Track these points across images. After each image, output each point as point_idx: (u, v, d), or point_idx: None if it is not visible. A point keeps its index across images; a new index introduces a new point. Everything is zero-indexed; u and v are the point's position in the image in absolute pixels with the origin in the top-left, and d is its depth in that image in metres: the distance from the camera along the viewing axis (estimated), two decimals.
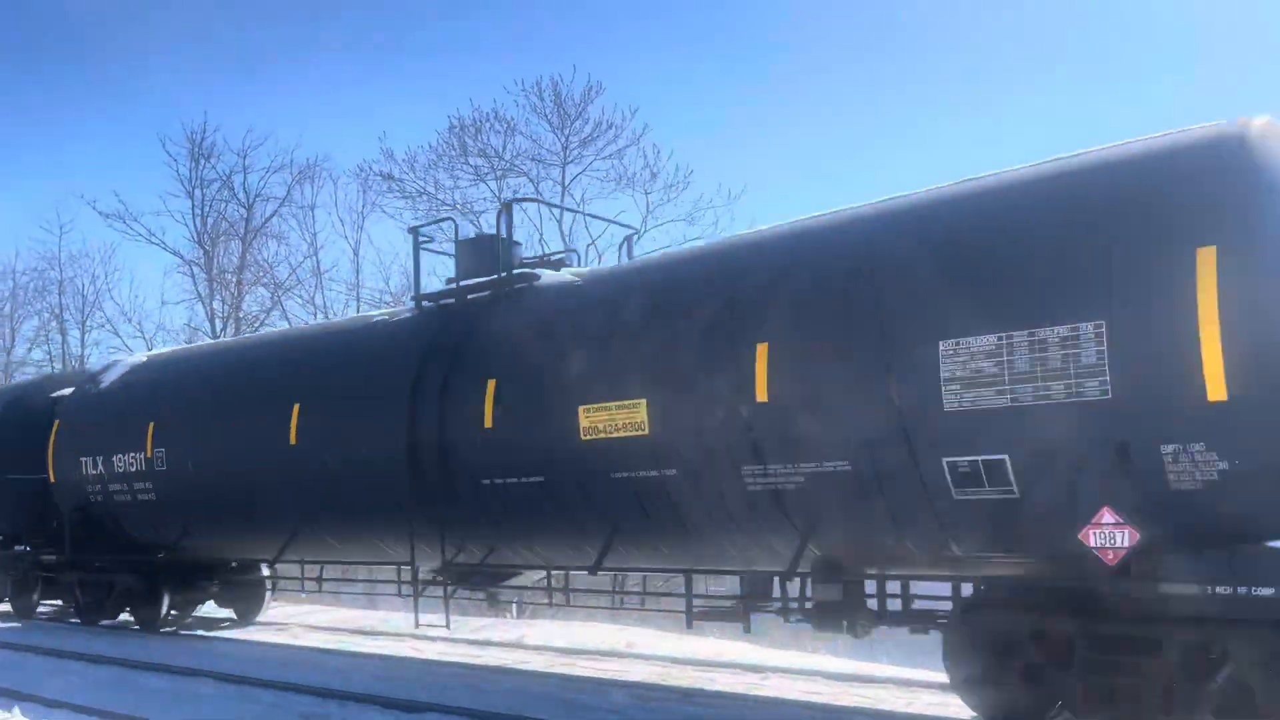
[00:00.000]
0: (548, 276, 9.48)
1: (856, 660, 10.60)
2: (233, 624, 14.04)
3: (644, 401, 7.50)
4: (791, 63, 50.39)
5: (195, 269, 33.08)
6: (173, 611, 13.45)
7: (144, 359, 13.93)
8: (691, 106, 48.53)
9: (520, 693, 8.81)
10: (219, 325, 31.91)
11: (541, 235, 27.58)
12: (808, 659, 10.72)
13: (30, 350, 38.69)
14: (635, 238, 11.05)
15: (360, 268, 33.40)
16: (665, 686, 9.05)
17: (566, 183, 28.02)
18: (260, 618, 14.19)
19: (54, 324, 37.90)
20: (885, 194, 7.37)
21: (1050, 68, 46.76)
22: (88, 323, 36.65)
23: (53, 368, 35.49)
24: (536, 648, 11.69)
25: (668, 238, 27.66)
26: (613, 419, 7.66)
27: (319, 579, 11.69)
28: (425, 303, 10.25)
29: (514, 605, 14.96)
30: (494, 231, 11.30)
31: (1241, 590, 5.39)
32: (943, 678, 7.47)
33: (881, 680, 9.14)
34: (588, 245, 27.11)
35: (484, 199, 28.35)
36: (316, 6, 55.93)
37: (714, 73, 50.41)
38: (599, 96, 27.84)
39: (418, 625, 9.97)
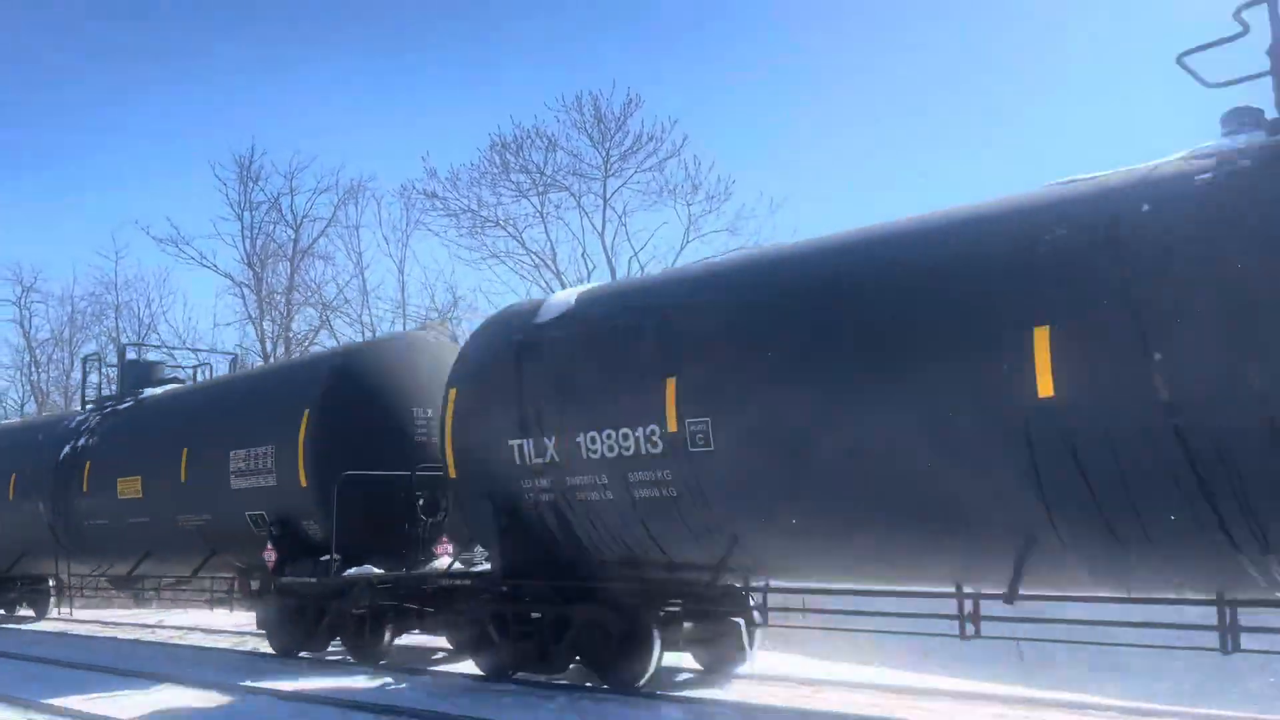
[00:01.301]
0: None
1: (911, 673, 10.13)
2: (698, 676, 10.04)
3: None
4: (832, 69, 50.39)
5: (246, 290, 33.54)
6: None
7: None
8: (732, 116, 48.24)
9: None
10: (269, 346, 32.24)
11: (584, 249, 28.12)
12: (862, 672, 10.28)
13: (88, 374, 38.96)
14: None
15: (406, 285, 35.20)
16: (718, 701, 8.66)
17: (608, 196, 27.82)
18: (742, 669, 9.95)
19: (111, 347, 36.56)
20: (927, 200, 5.00)
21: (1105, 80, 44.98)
22: (143, 345, 36.80)
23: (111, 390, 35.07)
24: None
25: (710, 249, 26.96)
26: None
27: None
28: None
29: None
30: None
31: None
32: (1007, 690, 7.43)
33: (939, 693, 8.83)
34: (630, 258, 27.66)
35: (526, 215, 28.66)
36: (357, 31, 57.73)
37: (754, 81, 49.99)
38: (639, 109, 27.76)
39: None
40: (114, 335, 37.13)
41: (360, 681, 10.24)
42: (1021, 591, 6.47)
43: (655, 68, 49.57)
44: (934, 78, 47.85)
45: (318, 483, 11.09)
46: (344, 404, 11.38)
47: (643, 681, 8.96)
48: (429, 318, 28.54)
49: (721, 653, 9.85)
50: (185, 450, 12.92)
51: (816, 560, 7.99)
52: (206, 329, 67.38)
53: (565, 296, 9.84)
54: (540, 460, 8.96)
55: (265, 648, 12.65)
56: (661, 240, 52.92)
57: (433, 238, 38.00)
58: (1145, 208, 6.13)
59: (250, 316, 33.37)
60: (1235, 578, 5.96)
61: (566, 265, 28.82)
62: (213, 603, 15.25)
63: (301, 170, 37.54)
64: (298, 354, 30.84)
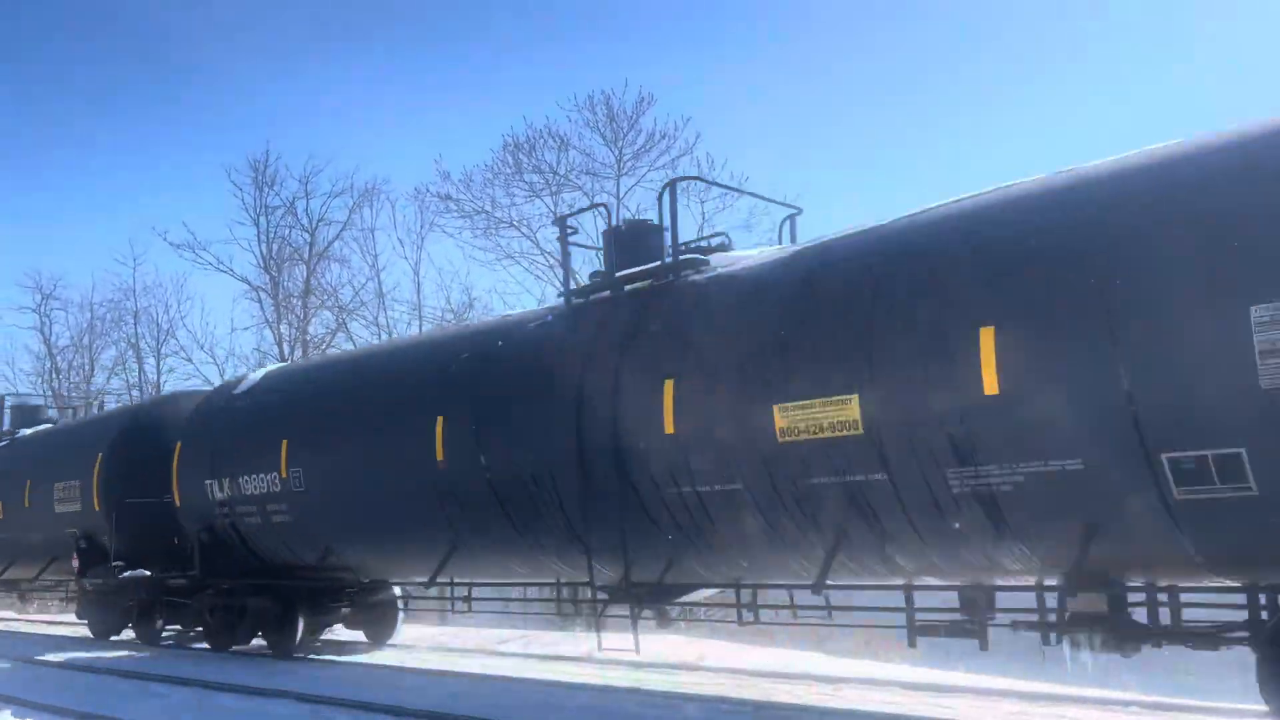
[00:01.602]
0: (718, 259, 8.85)
1: (932, 669, 10.17)
2: (366, 647, 13.62)
3: (855, 397, 6.80)
4: (845, 62, 51.02)
5: (262, 294, 33.82)
6: (305, 635, 13.04)
7: (269, 373, 13.79)
8: (744, 112, 48.60)
9: (591, 709, 8.71)
10: (287, 349, 32.49)
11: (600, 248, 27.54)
12: (883, 669, 10.44)
13: (109, 379, 40.03)
14: (795, 217, 10.47)
15: (421, 287, 34.51)
16: (737, 699, 8.87)
17: (621, 195, 27.81)
18: (392, 640, 13.75)
19: (130, 353, 39.05)
20: (945, 192, 6.42)
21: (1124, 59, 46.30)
22: (162, 350, 38.02)
23: (130, 396, 36.88)
24: (608, 662, 11.22)
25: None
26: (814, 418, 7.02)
27: (469, 599, 11.69)
28: (575, 298, 9.64)
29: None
30: (647, 218, 10.92)
31: None
32: (1027, 686, 7.64)
33: (959, 690, 8.87)
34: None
35: (540, 215, 28.85)
36: (369, 35, 59.20)
37: (764, 77, 50.85)
38: (651, 108, 27.90)
39: (601, 648, 9.65)
40: (133, 341, 38.59)
41: (117, 653, 14.16)
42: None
43: (667, 65, 50.17)
44: (947, 70, 49.05)
45: (107, 508, 14.95)
46: (129, 449, 15.19)
47: (294, 647, 12.76)
48: (444, 319, 29.95)
49: (378, 629, 13.84)
50: (28, 482, 16.95)
51: (383, 563, 11.99)
52: (224, 333, 70.30)
53: (257, 374, 13.96)
54: (221, 495, 12.81)
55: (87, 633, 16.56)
56: (778, 206, 52.02)
57: (447, 239, 38.39)
58: (500, 343, 10.07)
59: (267, 320, 33.64)
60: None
61: (581, 265, 29.53)
62: (66, 599, 19.09)
63: (316, 174, 37.57)
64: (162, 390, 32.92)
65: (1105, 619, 6.44)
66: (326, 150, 73.71)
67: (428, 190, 31.35)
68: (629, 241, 9.63)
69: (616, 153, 28.04)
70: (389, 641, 13.80)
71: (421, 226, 32.49)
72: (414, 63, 58.05)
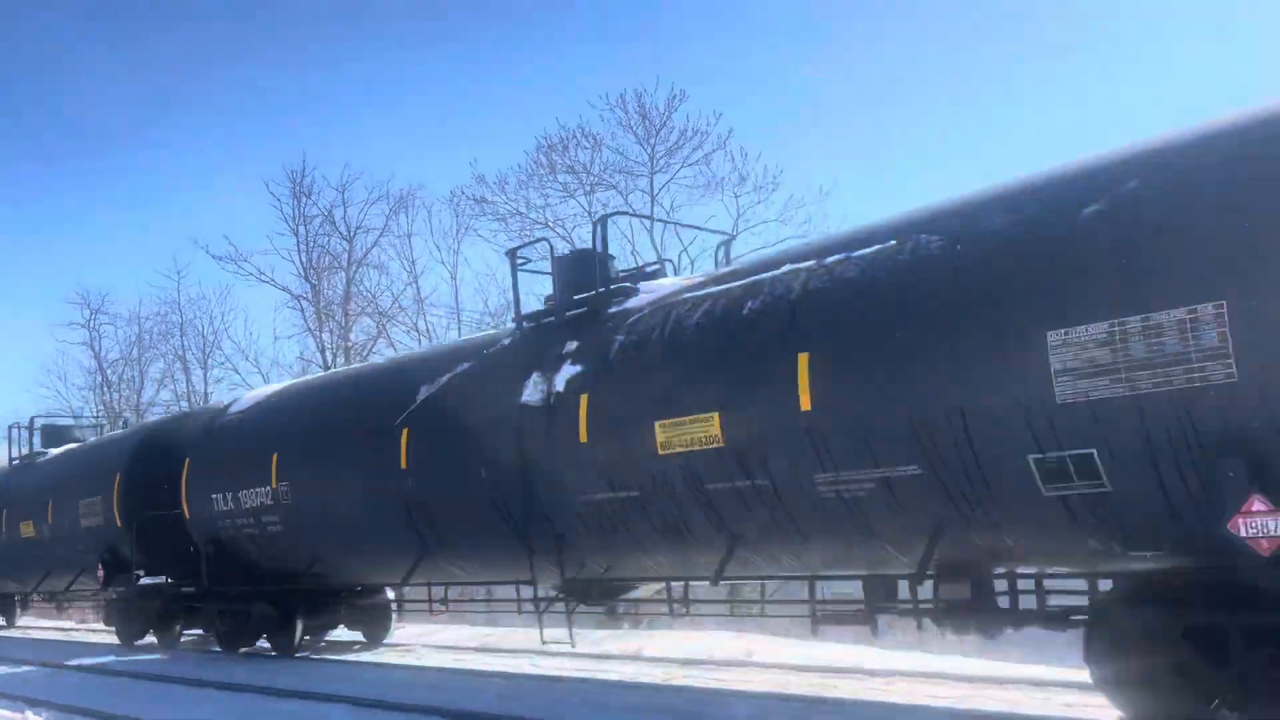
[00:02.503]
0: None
1: (986, 660, 10.19)
2: (363, 646, 14.64)
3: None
4: (878, 51, 50.84)
5: (304, 303, 34.28)
6: (305, 636, 14.06)
7: (262, 394, 14.84)
8: (777, 105, 48.58)
9: (640, 708, 8.68)
10: (329, 356, 32.91)
11: (634, 247, 27.74)
12: (934, 661, 10.40)
13: (158, 391, 40.98)
14: (729, 242, 11.36)
15: (459, 291, 34.43)
16: (787, 695, 8.84)
17: (655, 192, 28.05)
18: (387, 639, 14.93)
19: (178, 365, 39.90)
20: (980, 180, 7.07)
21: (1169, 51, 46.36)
22: (209, 361, 38.78)
23: (180, 407, 37.06)
24: (655, 659, 11.71)
25: (759, 240, 27.17)
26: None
27: (445, 600, 12.88)
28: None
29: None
30: (589, 247, 11.89)
31: None
32: (1078, 676, 7.35)
33: (1013, 680, 8.80)
34: (680, 252, 27.52)
35: (574, 215, 29.02)
36: (400, 40, 60.50)
37: (797, 68, 50.71)
38: (683, 104, 28.02)
39: (543, 642, 10.22)
40: (180, 353, 39.57)
41: (135, 656, 15.31)
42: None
43: (698, 61, 50.17)
44: (981, 61, 49.02)
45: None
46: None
47: (295, 646, 13.89)
48: (483, 322, 30.17)
49: (374, 629, 14.94)
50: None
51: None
52: (268, 342, 71.76)
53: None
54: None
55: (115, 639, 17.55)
56: (710, 234, 51.94)
57: (483, 243, 38.16)
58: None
59: (309, 328, 34.09)
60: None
61: (617, 264, 29.36)
62: (97, 608, 20.32)
63: (353, 182, 38.15)
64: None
65: (970, 605, 7.14)
66: (362, 158, 76.24)
67: (463, 194, 31.78)
68: (574, 269, 10.50)
69: (649, 150, 28.20)
70: (385, 640, 14.91)
71: (458, 231, 32.92)
72: (446, 67, 59.40)
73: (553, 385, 9.31)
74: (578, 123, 30.84)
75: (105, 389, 41.51)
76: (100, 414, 39.05)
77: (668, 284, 9.67)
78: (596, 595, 10.15)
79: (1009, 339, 6.23)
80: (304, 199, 34.43)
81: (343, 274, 34.28)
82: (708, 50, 50.12)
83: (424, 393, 10.90)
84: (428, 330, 32.52)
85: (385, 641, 14.87)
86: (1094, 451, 5.93)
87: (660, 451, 8.18)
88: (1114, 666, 6.38)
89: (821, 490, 7.26)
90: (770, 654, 11.56)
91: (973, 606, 7.10)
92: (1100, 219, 6.02)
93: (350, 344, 33.09)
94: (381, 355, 31.14)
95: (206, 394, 37.81)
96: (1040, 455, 6.12)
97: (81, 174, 69.16)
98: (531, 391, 9.54)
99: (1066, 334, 5.97)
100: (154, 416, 34.42)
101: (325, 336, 33.74)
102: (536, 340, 10.14)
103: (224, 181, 65.48)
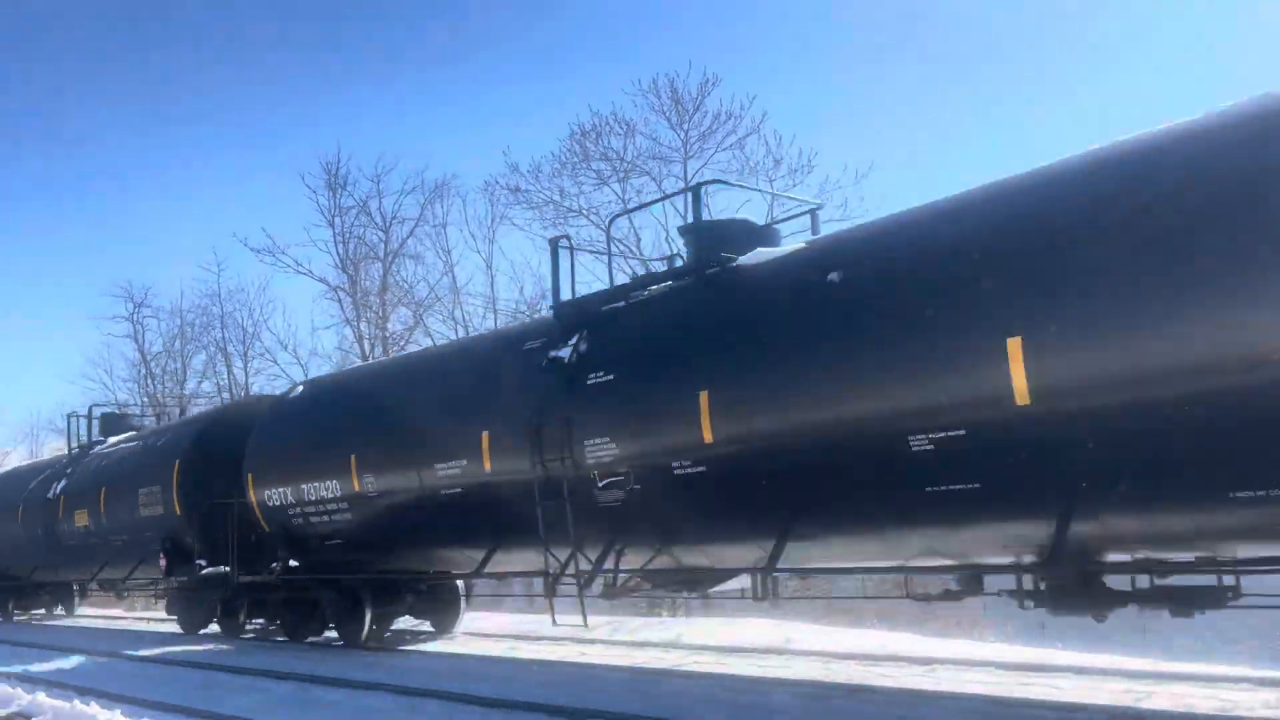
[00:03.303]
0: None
1: (1031, 647, 10.16)
2: (430, 636, 14.44)
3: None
4: (912, 29, 50.89)
5: (341, 294, 34.62)
6: (373, 626, 13.57)
7: (327, 380, 15.24)
8: (812, 86, 49.38)
9: (681, 695, 8.69)
10: (367, 346, 33.09)
11: (668, 233, 27.14)
12: (978, 649, 10.39)
13: (201, 383, 41.24)
14: (816, 211, 11.24)
15: (494, 280, 34.21)
16: (829, 684, 8.82)
17: (689, 178, 27.46)
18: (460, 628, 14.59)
19: (219, 357, 40.39)
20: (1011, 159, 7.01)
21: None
22: (249, 353, 38.94)
23: (221, 398, 37.61)
24: (695, 647, 11.77)
25: (795, 224, 25.67)
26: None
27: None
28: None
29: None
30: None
31: None
32: (1127, 663, 7.66)
33: (1059, 668, 8.70)
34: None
35: (608, 202, 28.74)
36: (433, 30, 62.08)
37: (830, 49, 51.82)
38: (716, 88, 27.65)
39: (554, 624, 10.50)
40: (221, 345, 40.14)
41: (203, 645, 15.14)
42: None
43: (730, 44, 49.95)
44: (1019, 35, 49.16)
45: (188, 510, 15.84)
46: (201, 456, 16.06)
47: (363, 637, 13.45)
48: (518, 312, 30.08)
49: (442, 618, 14.53)
50: (107, 489, 18.12)
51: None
52: (306, 333, 72.77)
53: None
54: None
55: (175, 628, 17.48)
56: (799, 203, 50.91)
57: (517, 231, 38.75)
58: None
59: (347, 319, 34.41)
60: None
61: (651, 250, 28.52)
62: (156, 597, 20.22)
63: (387, 173, 38.86)
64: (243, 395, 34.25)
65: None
66: (397, 149, 76.80)
67: (497, 183, 31.69)
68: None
69: (683, 135, 27.94)
70: (453, 630, 14.52)
71: (492, 220, 32.93)
72: (479, 57, 61.16)
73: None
74: (610, 109, 30.73)
75: (149, 381, 42.22)
76: (145, 406, 38.23)
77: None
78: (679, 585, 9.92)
79: None
80: (339, 190, 34.66)
81: (379, 264, 34.46)
82: (740, 33, 50.27)
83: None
84: (464, 320, 32.66)
85: (453, 630, 14.56)
86: None
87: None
88: None
89: None
90: (809, 642, 11.42)
91: (1083, 588, 6.82)
92: None
93: (387, 334, 33.29)
94: (417, 345, 31.27)
95: (247, 385, 38.09)
96: None
97: (124, 171, 71.65)
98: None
99: None
100: (197, 408, 34.58)
101: (363, 327, 33.91)
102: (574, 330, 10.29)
103: (262, 175, 67.69)
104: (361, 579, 13.39)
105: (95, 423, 21.98)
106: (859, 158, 60.44)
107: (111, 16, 68.36)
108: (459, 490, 11.04)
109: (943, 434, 6.94)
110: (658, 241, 28.18)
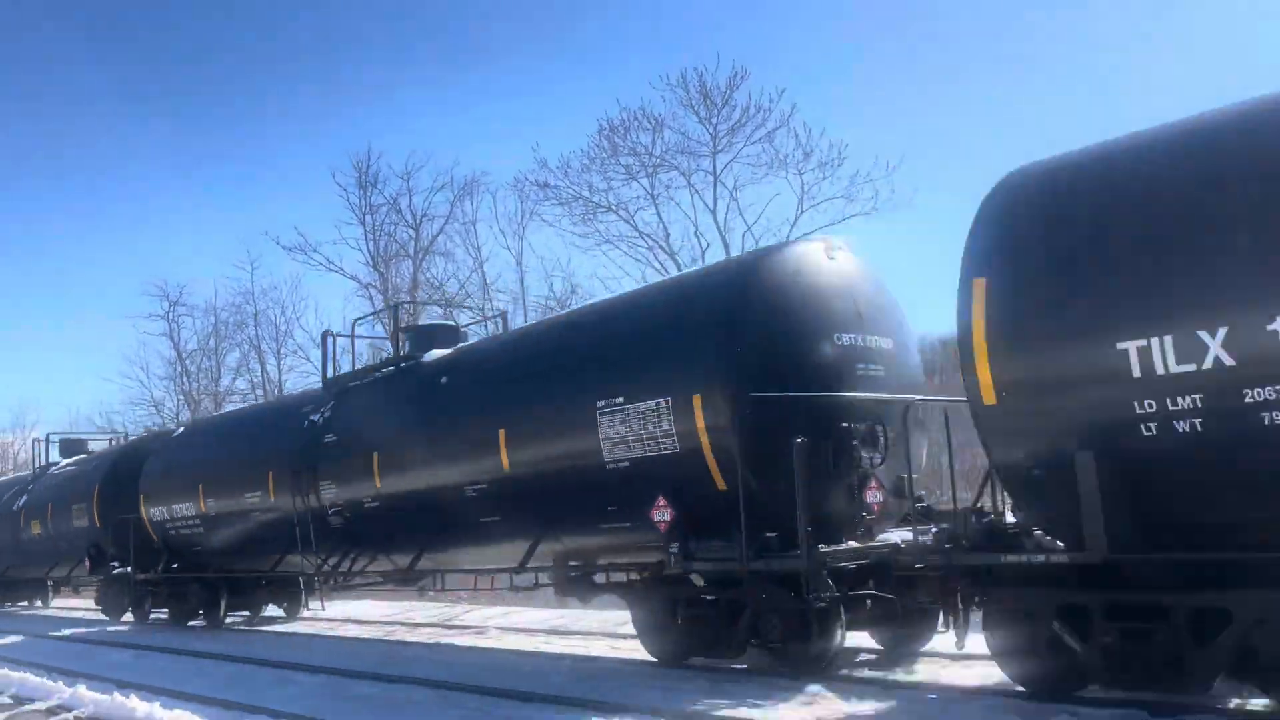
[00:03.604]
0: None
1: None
2: (283, 619, 18.65)
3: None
4: (944, 26, 50.80)
5: (372, 291, 34.69)
6: (227, 613, 18.18)
7: (202, 422, 19.96)
8: (842, 79, 49.40)
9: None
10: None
11: (697, 227, 28.39)
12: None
13: (235, 380, 42.05)
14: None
15: (524, 276, 34.32)
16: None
17: (718, 172, 27.71)
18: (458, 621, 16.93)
19: (253, 354, 40.97)
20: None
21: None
22: (282, 350, 39.64)
23: (255, 395, 39.36)
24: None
25: (825, 217, 27.16)
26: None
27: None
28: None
29: None
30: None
31: None
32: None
33: (585, 632, 11.51)
34: (744, 232, 27.70)
35: (637, 197, 28.89)
36: (461, 27, 63.40)
37: (862, 40, 51.34)
38: (744, 81, 27.45)
39: (323, 608, 15.38)
40: (254, 342, 40.64)
41: (114, 628, 19.48)
42: None
43: (760, 36, 49.54)
44: (1052, 28, 48.68)
45: (104, 523, 20.33)
46: (115, 480, 20.62)
47: (220, 621, 18.09)
48: (549, 308, 29.88)
49: (292, 605, 19.02)
50: (52, 504, 22.63)
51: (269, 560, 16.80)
52: (338, 330, 75.12)
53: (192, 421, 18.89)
54: (167, 517, 17.98)
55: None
56: (775, 212, 50.65)
57: (547, 228, 37.06)
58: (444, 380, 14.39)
59: (378, 316, 34.80)
60: None
61: (680, 245, 28.78)
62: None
63: (417, 170, 37.91)
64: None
65: None
66: (426, 146, 77.55)
67: (526, 179, 31.70)
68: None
69: (711, 129, 27.77)
70: (298, 615, 18.88)
71: (522, 216, 33.11)
72: (508, 53, 61.42)
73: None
74: (639, 104, 30.16)
75: (184, 378, 42.62)
76: (181, 403, 41.59)
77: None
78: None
79: None
80: (370, 188, 34.85)
81: (409, 262, 34.75)
82: (770, 25, 49.80)
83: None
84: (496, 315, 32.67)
85: (457, 623, 16.84)
86: None
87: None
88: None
89: None
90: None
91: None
92: None
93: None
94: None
95: (281, 382, 38.84)
96: None
97: (159, 173, 73.49)
98: None
99: None
100: (231, 405, 37.31)
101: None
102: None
103: (294, 174, 67.79)
104: (216, 577, 17.82)
105: (54, 446, 26.61)
106: (890, 149, 57.92)
107: (146, 20, 71.09)
108: (257, 513, 15.51)
109: (479, 485, 11.26)
110: (686, 236, 28.96)
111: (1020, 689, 7.40)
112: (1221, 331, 5.93)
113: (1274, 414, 5.80)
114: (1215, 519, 6.25)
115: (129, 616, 20.96)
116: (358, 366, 15.23)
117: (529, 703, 8.59)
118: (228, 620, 18.55)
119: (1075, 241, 6.85)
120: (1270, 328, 5.77)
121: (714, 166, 27.84)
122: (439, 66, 62.94)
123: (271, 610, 19.34)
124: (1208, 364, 5.98)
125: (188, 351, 43.03)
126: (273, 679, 11.09)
